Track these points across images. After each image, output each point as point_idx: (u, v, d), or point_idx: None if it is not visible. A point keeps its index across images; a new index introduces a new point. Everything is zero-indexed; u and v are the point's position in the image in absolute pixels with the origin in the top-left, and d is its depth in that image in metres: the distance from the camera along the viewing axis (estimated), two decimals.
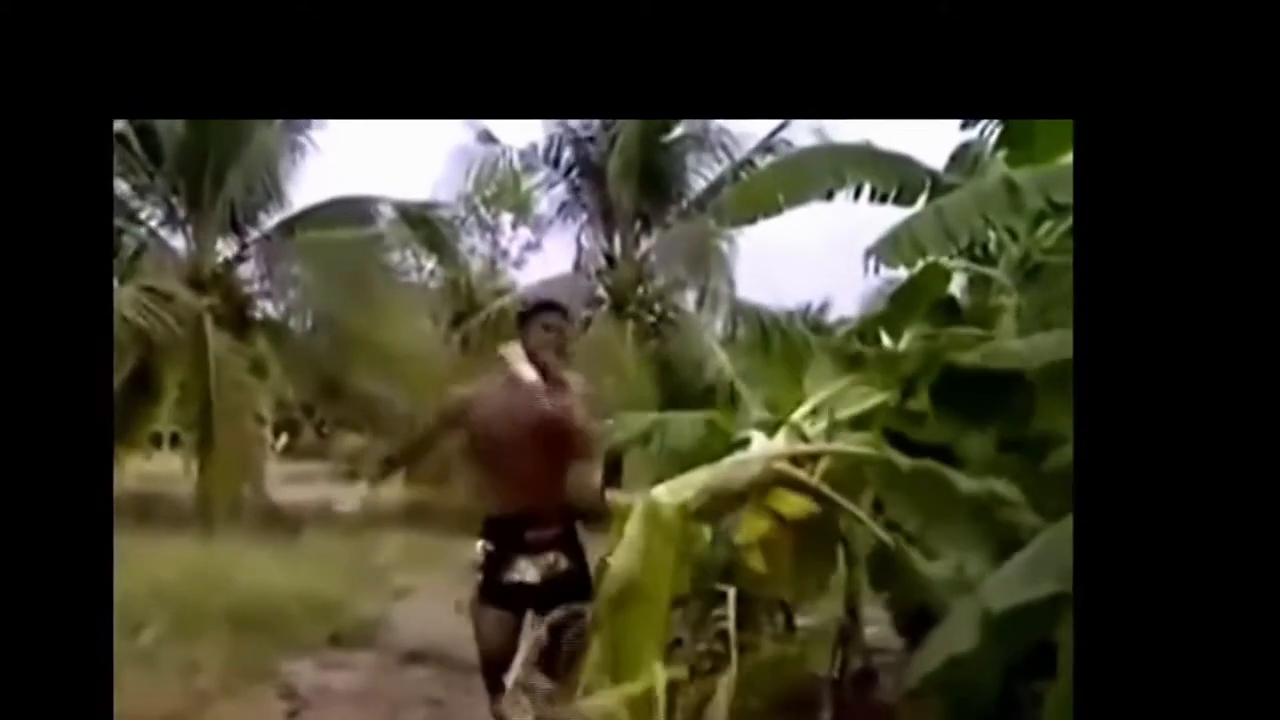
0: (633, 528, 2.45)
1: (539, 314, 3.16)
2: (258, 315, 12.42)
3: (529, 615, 3.01)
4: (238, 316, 11.93)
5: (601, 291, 13.54)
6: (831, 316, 15.86)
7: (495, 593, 3.03)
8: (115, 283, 10.57)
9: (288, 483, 14.19)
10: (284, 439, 23.72)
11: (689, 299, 13.44)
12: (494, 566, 3.03)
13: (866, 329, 4.49)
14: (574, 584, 3.03)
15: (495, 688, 2.97)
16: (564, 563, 3.05)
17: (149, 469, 13.96)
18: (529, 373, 3.03)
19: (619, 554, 2.47)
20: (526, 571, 3.01)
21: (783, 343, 12.69)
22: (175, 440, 15.05)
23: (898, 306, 4.02)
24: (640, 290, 13.47)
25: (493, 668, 3.00)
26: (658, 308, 13.49)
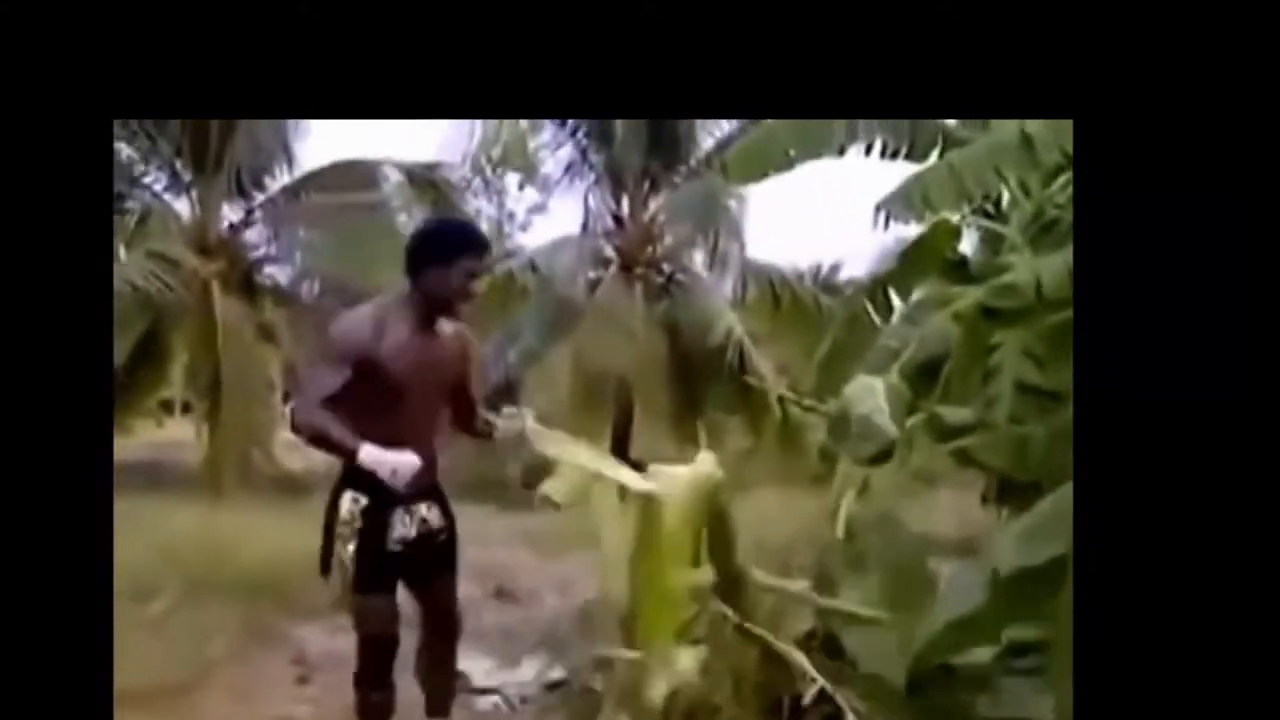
0: (677, 494, 2.34)
1: (466, 255, 2.71)
2: (265, 280, 12.41)
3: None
4: (245, 281, 11.91)
5: (610, 252, 13.46)
6: (842, 276, 15.77)
7: (376, 565, 2.66)
8: (121, 249, 10.56)
9: (297, 449, 14.21)
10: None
11: (698, 259, 13.35)
12: (372, 528, 2.66)
13: (876, 289, 4.44)
14: (446, 541, 2.85)
15: (381, 685, 2.74)
16: (437, 518, 2.81)
17: (160, 436, 14.03)
18: (446, 325, 2.76)
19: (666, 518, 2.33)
20: (403, 526, 2.70)
21: (793, 303, 12.65)
22: (186, 407, 15.11)
23: (907, 265, 3.97)
24: (649, 251, 13.38)
25: (380, 659, 2.73)
26: (667, 268, 13.41)
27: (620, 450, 12.34)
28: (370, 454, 2.55)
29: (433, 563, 2.83)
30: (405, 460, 2.57)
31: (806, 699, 2.37)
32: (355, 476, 2.66)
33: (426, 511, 2.79)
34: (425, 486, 2.77)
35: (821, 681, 2.00)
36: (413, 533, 2.74)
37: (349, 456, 2.60)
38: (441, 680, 2.96)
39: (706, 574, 2.36)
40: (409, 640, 2.88)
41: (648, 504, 2.20)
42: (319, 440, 2.62)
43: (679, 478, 2.30)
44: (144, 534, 5.83)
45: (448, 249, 2.71)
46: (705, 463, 2.41)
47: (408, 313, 2.71)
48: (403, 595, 2.84)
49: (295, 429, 2.64)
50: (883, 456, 2.73)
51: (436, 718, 2.95)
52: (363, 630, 2.73)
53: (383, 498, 2.65)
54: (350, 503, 2.68)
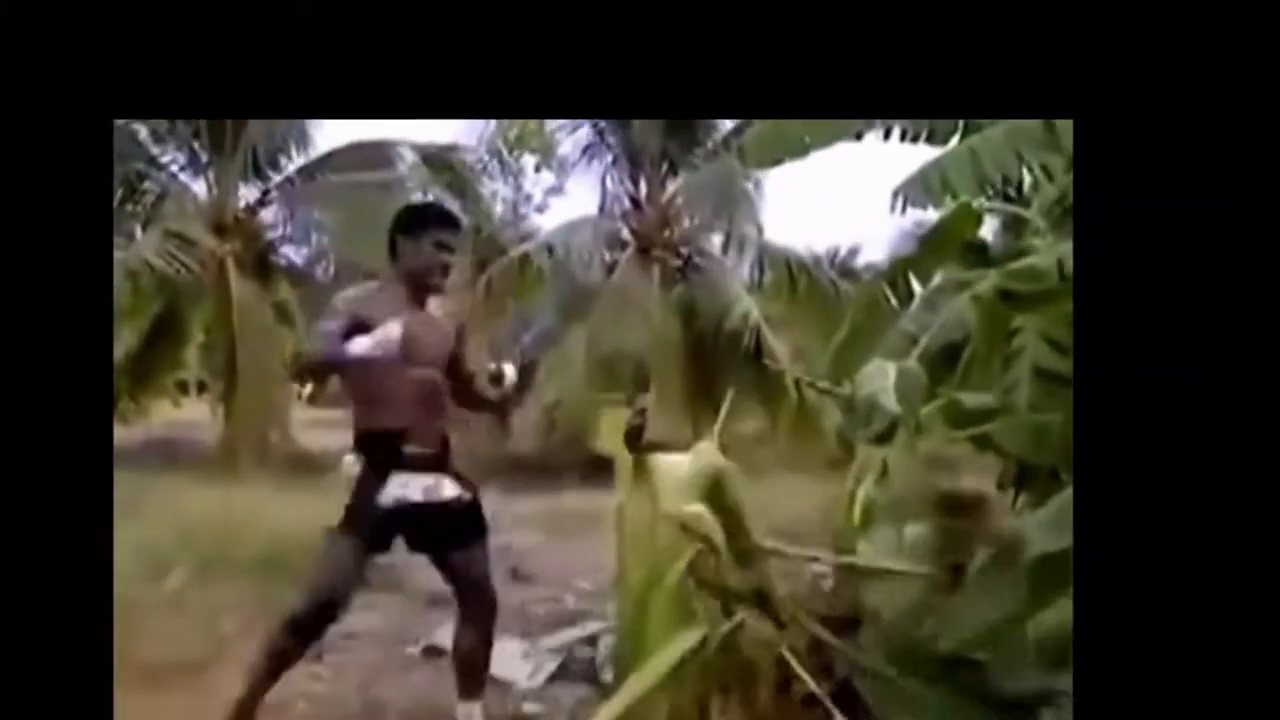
0: (684, 483, 2.33)
1: (433, 229, 2.87)
2: (281, 261, 12.45)
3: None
4: (260, 262, 11.95)
5: (627, 235, 13.42)
6: (860, 260, 15.69)
7: (362, 519, 2.74)
8: (138, 229, 10.60)
9: (313, 429, 14.30)
10: (309, 386, 23.88)
11: (715, 242, 13.30)
12: (366, 487, 2.75)
13: (895, 273, 4.39)
14: (465, 513, 2.90)
15: (316, 633, 2.81)
16: (448, 489, 2.87)
17: (176, 415, 14.12)
18: (436, 304, 2.93)
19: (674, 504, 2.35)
20: (407, 486, 2.79)
21: (810, 287, 12.59)
22: (202, 387, 15.21)
23: (927, 249, 3.91)
24: (666, 234, 13.34)
25: (322, 610, 2.75)
26: (684, 251, 13.36)
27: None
28: (358, 342, 2.67)
29: (450, 534, 2.90)
30: (387, 329, 2.67)
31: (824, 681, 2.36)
32: (360, 443, 2.82)
33: (434, 481, 2.86)
34: (434, 459, 2.87)
35: (837, 643, 1.97)
36: (416, 496, 2.81)
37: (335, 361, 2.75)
38: (475, 661, 2.99)
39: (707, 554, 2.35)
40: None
41: (649, 493, 2.21)
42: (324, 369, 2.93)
43: (677, 467, 2.29)
44: (159, 512, 5.87)
45: (415, 224, 2.90)
46: (706, 452, 2.39)
47: (397, 292, 2.89)
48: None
49: (307, 365, 2.92)
50: (887, 434, 2.73)
51: (469, 700, 2.96)
52: (322, 577, 2.76)
53: (381, 461, 2.78)
54: (349, 465, 2.81)
